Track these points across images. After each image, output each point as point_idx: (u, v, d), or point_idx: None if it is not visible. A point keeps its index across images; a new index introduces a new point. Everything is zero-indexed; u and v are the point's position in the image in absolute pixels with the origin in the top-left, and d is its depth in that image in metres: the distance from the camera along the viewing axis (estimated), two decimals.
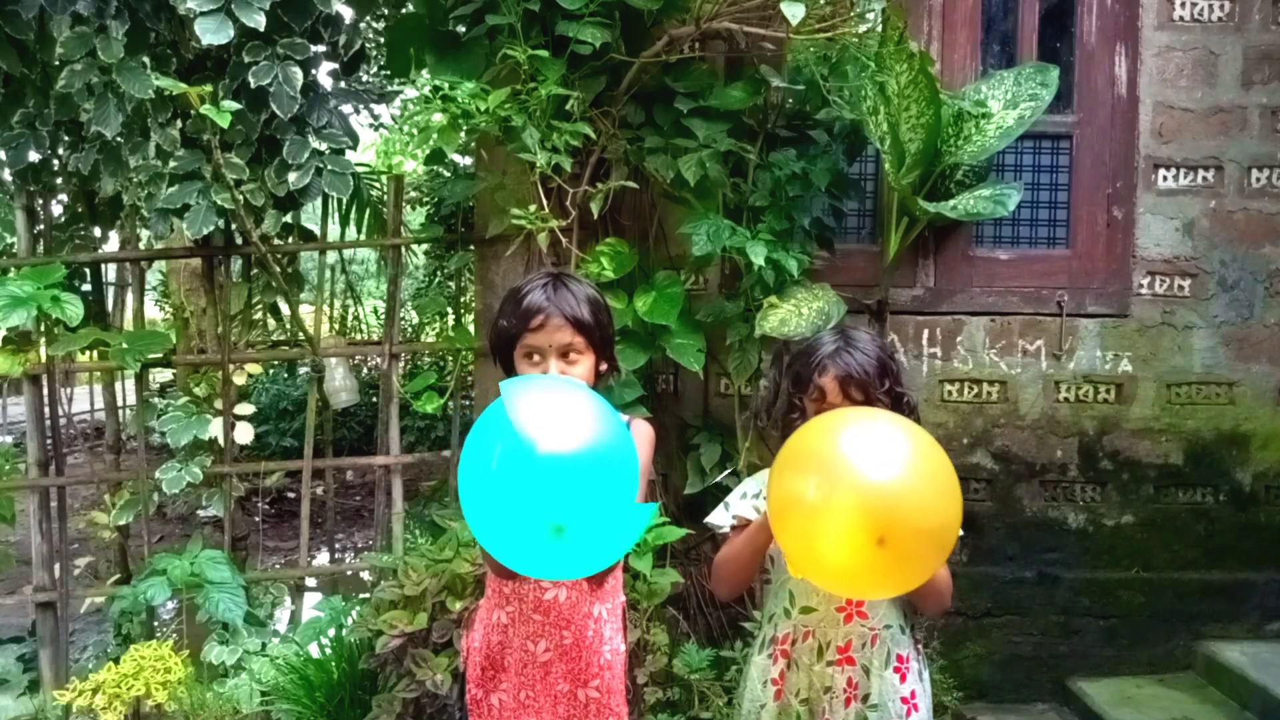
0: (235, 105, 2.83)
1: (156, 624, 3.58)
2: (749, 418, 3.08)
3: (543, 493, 1.44)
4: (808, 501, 1.58)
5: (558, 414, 1.51)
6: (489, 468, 1.47)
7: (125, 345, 3.28)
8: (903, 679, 1.89)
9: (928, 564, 1.61)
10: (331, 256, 7.12)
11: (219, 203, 3.08)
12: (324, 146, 3.21)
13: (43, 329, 3.34)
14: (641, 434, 1.90)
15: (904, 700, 1.88)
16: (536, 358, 1.80)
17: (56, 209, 3.78)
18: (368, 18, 4.80)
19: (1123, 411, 3.54)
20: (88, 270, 3.72)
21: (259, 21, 2.85)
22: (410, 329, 8.02)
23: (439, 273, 5.88)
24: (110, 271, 4.72)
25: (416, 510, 3.85)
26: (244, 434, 3.45)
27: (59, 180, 3.57)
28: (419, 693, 2.73)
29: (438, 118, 2.93)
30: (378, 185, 5.98)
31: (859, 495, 1.53)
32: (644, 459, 1.88)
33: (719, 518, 1.97)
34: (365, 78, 5.86)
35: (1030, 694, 3.53)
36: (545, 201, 2.92)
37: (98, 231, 3.74)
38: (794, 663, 1.91)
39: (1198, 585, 3.53)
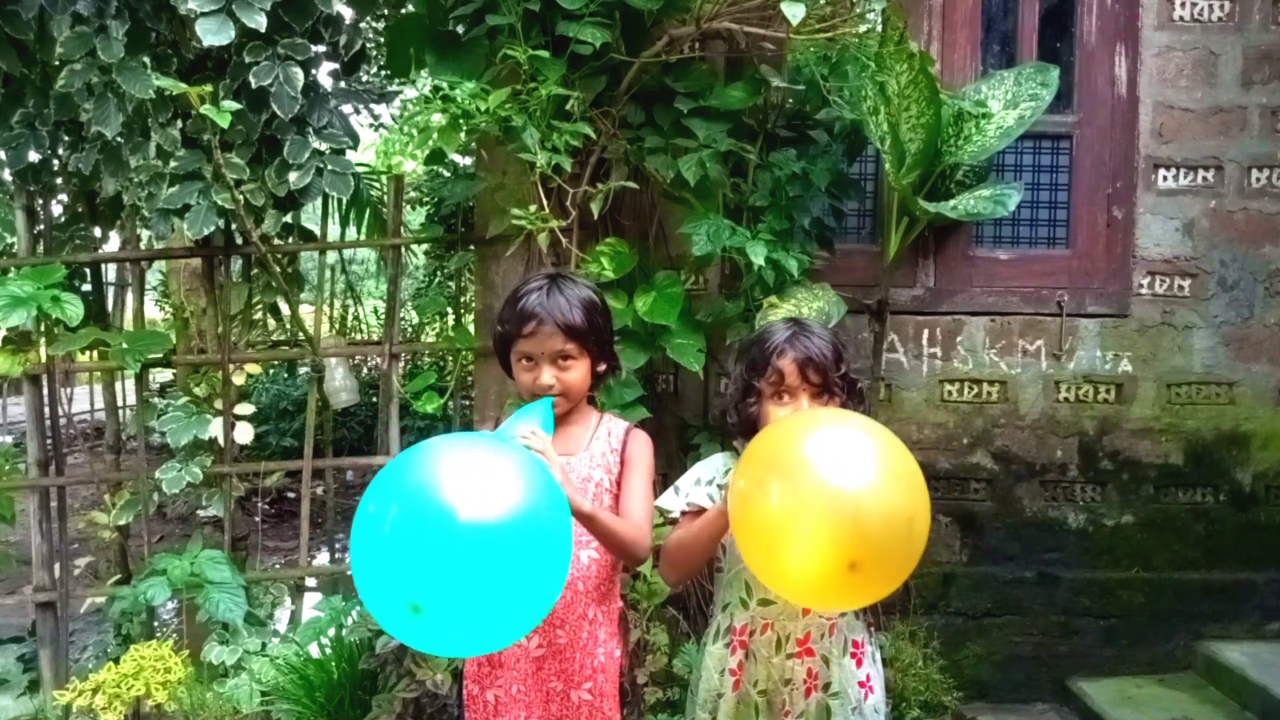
0: (236, 105, 2.82)
1: (156, 624, 3.58)
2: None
3: (402, 567, 1.29)
4: (777, 518, 1.52)
5: (455, 485, 1.32)
6: (379, 527, 1.34)
7: (125, 345, 3.28)
8: (859, 664, 1.91)
9: (897, 579, 1.57)
10: (331, 256, 7.13)
11: (219, 203, 3.08)
12: (324, 146, 3.21)
13: (43, 329, 3.33)
14: (641, 443, 1.93)
15: (861, 684, 1.90)
16: (529, 363, 1.81)
17: (56, 209, 3.78)
18: (368, 18, 4.80)
19: (1123, 411, 3.55)
20: (88, 270, 3.72)
21: (260, 22, 2.85)
22: (410, 329, 8.01)
23: (439, 273, 5.87)
24: (110, 271, 4.71)
25: None
26: (244, 434, 3.45)
27: (59, 180, 3.56)
28: (419, 693, 2.73)
29: (438, 118, 2.93)
30: (378, 185, 5.98)
31: (835, 520, 1.47)
32: (647, 464, 1.91)
33: (669, 501, 1.94)
34: (365, 78, 5.88)
35: (1030, 694, 3.53)
36: (545, 201, 2.92)
37: (98, 231, 3.73)
38: (752, 654, 1.90)
39: (1198, 585, 3.54)
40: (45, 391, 3.49)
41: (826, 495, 1.49)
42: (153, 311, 6.95)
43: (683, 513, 1.91)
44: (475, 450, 1.45)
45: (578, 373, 1.83)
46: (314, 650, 3.11)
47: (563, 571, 1.44)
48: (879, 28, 2.92)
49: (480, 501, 1.32)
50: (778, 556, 1.55)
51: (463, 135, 3.03)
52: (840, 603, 1.71)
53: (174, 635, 3.47)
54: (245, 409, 3.48)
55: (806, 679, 1.88)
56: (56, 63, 3.16)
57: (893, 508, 1.50)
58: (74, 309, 3.09)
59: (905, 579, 1.61)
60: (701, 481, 1.94)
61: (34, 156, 3.35)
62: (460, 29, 3.17)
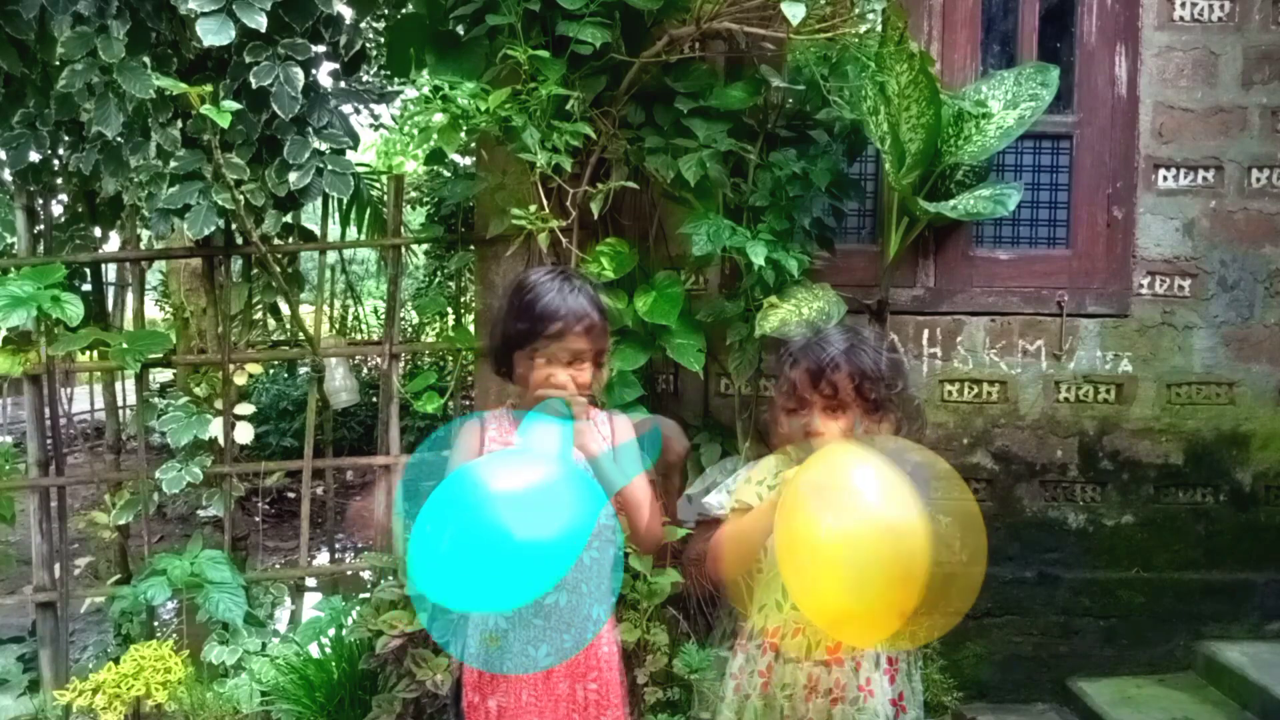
0: (236, 105, 2.83)
1: (156, 624, 3.58)
2: (762, 421, 3.04)
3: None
4: (845, 568, 1.56)
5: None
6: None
7: (125, 345, 3.28)
8: (891, 680, 1.89)
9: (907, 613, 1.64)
10: (331, 256, 7.13)
11: (220, 203, 3.08)
12: (324, 147, 3.21)
13: (43, 329, 3.33)
14: (624, 425, 1.95)
15: (893, 703, 1.88)
16: (542, 360, 1.80)
17: (56, 209, 3.78)
18: (368, 18, 4.80)
19: (1123, 411, 3.54)
20: (88, 270, 3.72)
21: (260, 22, 2.85)
22: (410, 329, 8.02)
23: (439, 273, 5.89)
24: (110, 271, 4.72)
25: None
26: (244, 434, 3.45)
27: (59, 180, 3.57)
28: (419, 693, 2.73)
29: (438, 118, 2.93)
30: (378, 185, 5.98)
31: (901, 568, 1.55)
32: (628, 447, 1.93)
33: (717, 499, 1.98)
34: (366, 78, 5.88)
35: (1030, 694, 3.53)
36: (545, 201, 2.92)
37: (98, 231, 3.74)
38: (781, 657, 1.90)
39: (1198, 585, 3.53)
40: (45, 391, 3.49)
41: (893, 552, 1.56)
42: (153, 311, 6.96)
43: (731, 509, 1.93)
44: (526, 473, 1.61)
45: (589, 373, 1.83)
46: (314, 650, 3.11)
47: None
48: (879, 28, 2.91)
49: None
50: (831, 592, 1.60)
51: (463, 135, 3.04)
52: (865, 634, 1.75)
53: (174, 635, 3.47)
54: (245, 409, 3.49)
55: (834, 689, 1.86)
56: (57, 63, 3.16)
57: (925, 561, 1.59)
58: (74, 309, 3.09)
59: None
60: (752, 480, 1.94)
61: (34, 156, 3.35)
62: (460, 29, 3.18)
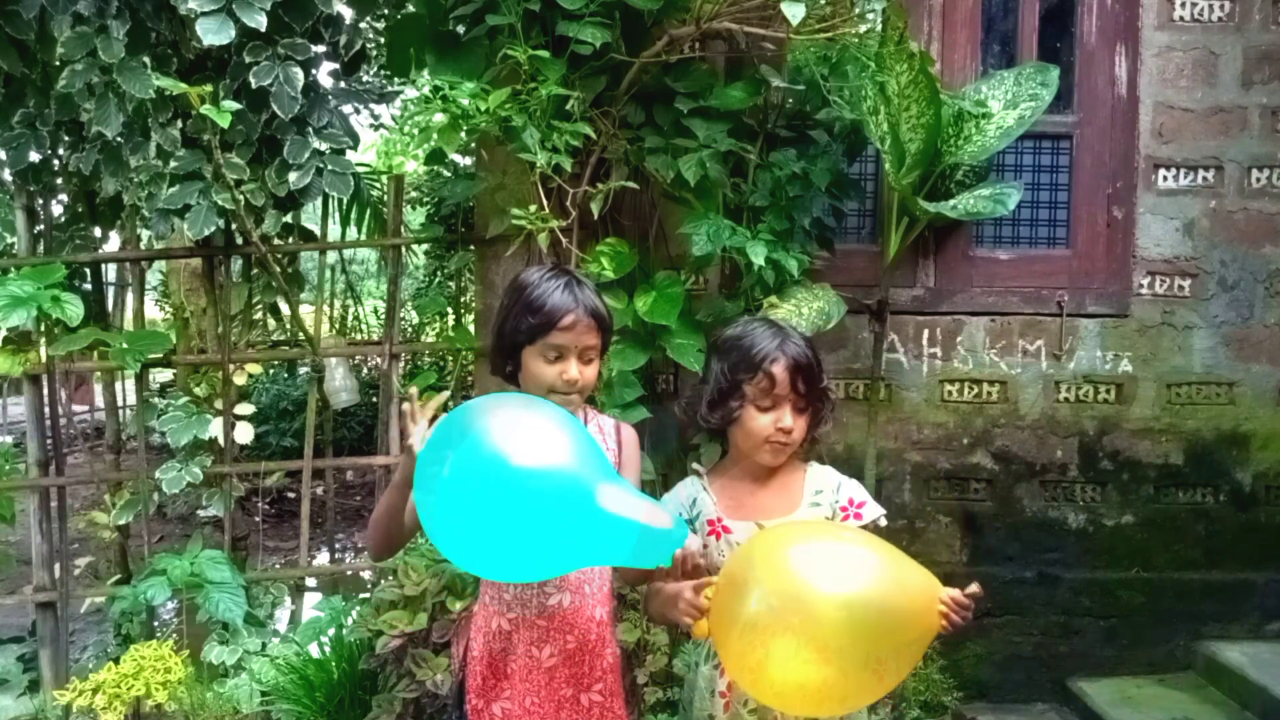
0: (236, 105, 2.83)
1: (156, 624, 3.58)
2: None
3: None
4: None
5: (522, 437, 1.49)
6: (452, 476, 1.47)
7: (125, 345, 3.28)
8: None
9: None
10: (331, 256, 7.13)
11: (220, 203, 3.08)
12: (324, 146, 3.21)
13: (43, 329, 3.34)
14: (634, 442, 1.94)
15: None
16: (554, 355, 1.78)
17: (56, 209, 3.78)
18: (368, 18, 4.80)
19: (1123, 411, 3.54)
20: (88, 270, 3.72)
21: (260, 22, 2.86)
22: (410, 329, 8.02)
23: (439, 273, 5.89)
24: (110, 271, 4.73)
25: None
26: (244, 434, 3.45)
27: (59, 180, 3.57)
28: (419, 693, 2.73)
29: (438, 118, 2.93)
30: (378, 185, 5.99)
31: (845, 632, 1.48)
32: (634, 461, 1.93)
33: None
34: (366, 78, 5.88)
35: (1030, 694, 3.53)
36: (545, 201, 2.92)
37: (98, 231, 3.74)
38: None
39: (1198, 585, 3.54)
40: (45, 391, 3.49)
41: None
42: (153, 311, 6.96)
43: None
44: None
45: (595, 369, 1.83)
46: (314, 650, 3.11)
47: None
48: (879, 28, 2.91)
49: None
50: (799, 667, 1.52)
51: (463, 135, 3.03)
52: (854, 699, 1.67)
53: (174, 635, 3.47)
54: (245, 409, 3.49)
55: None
56: (57, 63, 3.16)
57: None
58: (74, 309, 3.09)
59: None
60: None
61: (34, 156, 3.35)
62: (460, 29, 3.17)
